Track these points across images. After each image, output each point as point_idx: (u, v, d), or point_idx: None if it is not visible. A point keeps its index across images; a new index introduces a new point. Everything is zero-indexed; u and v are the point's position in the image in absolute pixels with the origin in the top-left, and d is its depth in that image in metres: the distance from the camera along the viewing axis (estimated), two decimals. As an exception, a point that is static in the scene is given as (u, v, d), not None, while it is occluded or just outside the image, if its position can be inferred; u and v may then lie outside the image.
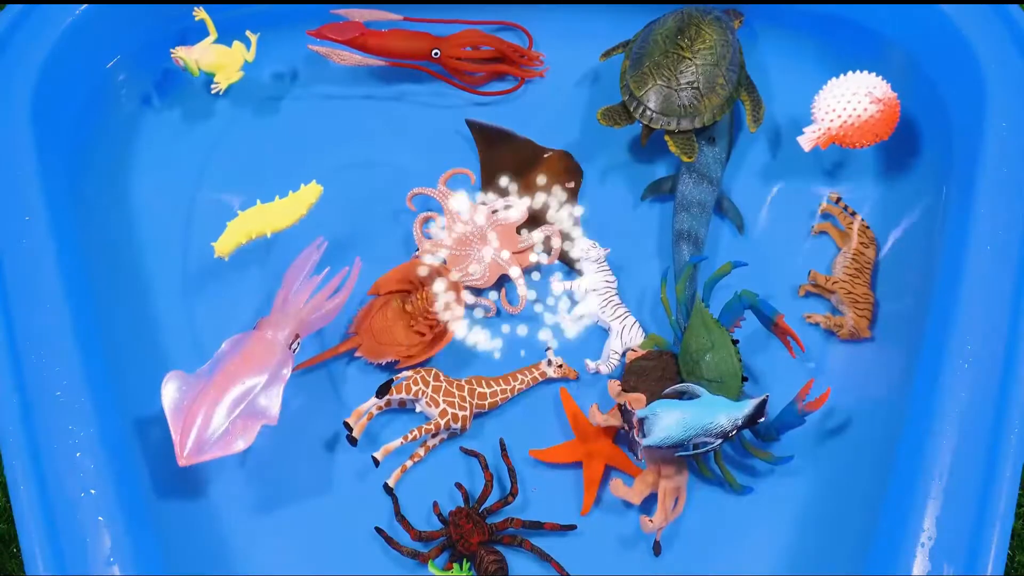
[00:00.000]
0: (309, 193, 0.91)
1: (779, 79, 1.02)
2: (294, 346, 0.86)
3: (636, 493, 0.84)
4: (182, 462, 0.81)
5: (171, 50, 0.98)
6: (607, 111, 0.97)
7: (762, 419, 0.82)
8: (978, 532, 0.77)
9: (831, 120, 0.93)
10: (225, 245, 0.90)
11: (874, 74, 0.93)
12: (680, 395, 0.85)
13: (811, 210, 0.97)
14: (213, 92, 0.99)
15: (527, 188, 0.97)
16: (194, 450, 0.81)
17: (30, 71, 0.92)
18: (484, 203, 0.96)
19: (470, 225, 0.94)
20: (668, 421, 0.80)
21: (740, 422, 0.81)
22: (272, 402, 0.83)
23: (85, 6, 0.95)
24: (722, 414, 0.81)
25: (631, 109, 0.96)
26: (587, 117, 1.02)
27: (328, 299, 0.88)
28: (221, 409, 0.82)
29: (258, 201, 0.91)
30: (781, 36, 1.04)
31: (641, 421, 0.81)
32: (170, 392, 0.83)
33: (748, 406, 0.82)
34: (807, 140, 0.94)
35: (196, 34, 0.99)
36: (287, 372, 0.85)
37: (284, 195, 0.92)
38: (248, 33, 0.99)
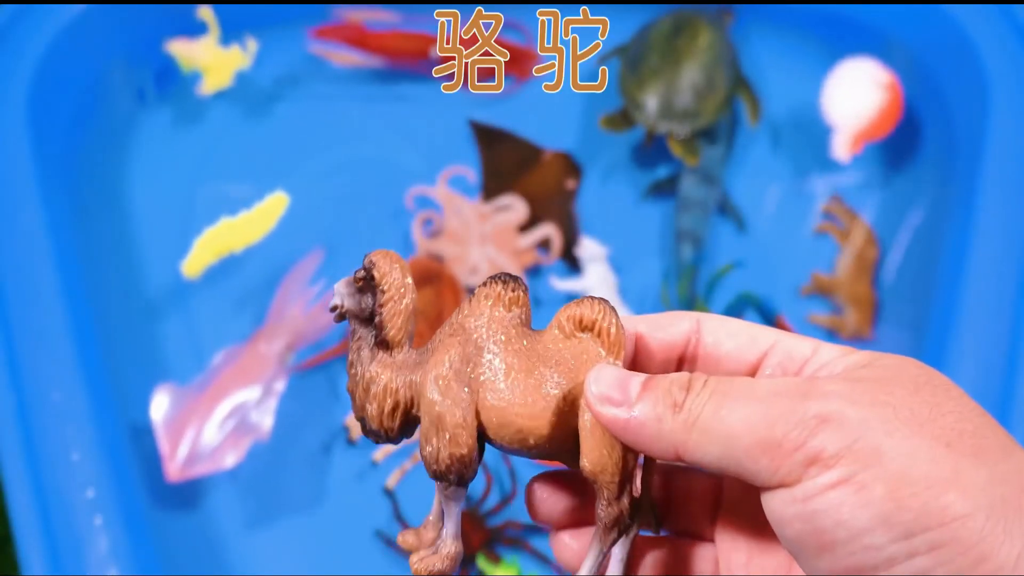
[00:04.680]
0: (275, 205, 0.90)
1: (780, 79, 1.02)
2: (288, 359, 0.86)
3: None
4: (172, 477, 0.80)
5: (167, 42, 0.97)
6: (608, 117, 0.97)
7: None
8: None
9: (850, 121, 0.93)
10: (193, 265, 0.88)
11: (863, 60, 0.93)
12: None
13: (812, 209, 0.97)
14: (201, 92, 0.99)
15: (526, 188, 0.97)
16: (184, 465, 0.81)
17: (26, 70, 0.92)
18: (484, 203, 0.96)
19: (469, 225, 0.94)
20: None
21: None
22: (264, 417, 0.83)
23: (83, 5, 0.94)
24: None
25: (632, 114, 0.96)
26: (587, 117, 1.01)
27: (323, 312, 0.88)
28: (212, 424, 0.82)
29: (224, 217, 0.90)
30: (781, 35, 1.04)
31: None
32: (161, 406, 0.82)
33: None
34: (841, 150, 0.93)
35: (196, 35, 0.99)
36: (281, 386, 0.84)
37: (285, 194, 0.91)
38: (248, 40, 0.99)
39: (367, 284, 0.39)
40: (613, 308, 0.38)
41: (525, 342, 0.38)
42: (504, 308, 0.39)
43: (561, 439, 0.38)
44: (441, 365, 0.38)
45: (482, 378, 0.38)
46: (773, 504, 0.32)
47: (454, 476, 0.38)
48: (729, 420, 0.33)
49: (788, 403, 0.32)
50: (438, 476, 0.39)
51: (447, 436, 0.38)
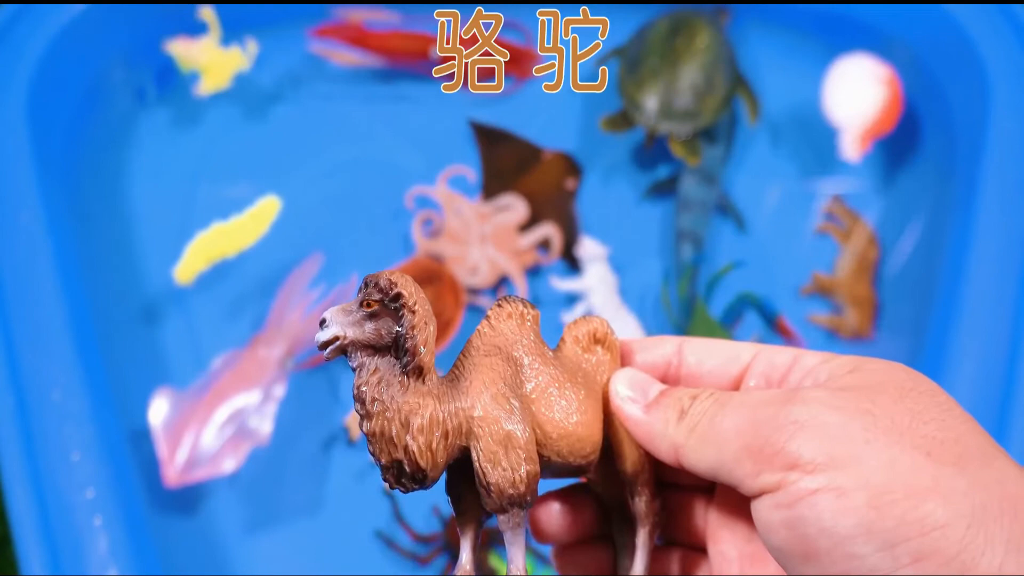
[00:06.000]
0: (267, 209, 0.90)
1: (779, 78, 1.02)
2: (288, 364, 0.85)
3: None
4: (170, 482, 0.80)
5: (167, 42, 0.97)
6: (609, 119, 0.97)
7: None
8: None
9: (855, 120, 0.93)
10: (186, 271, 0.88)
11: (860, 56, 0.93)
12: None
13: (813, 209, 0.97)
14: (198, 93, 0.98)
15: (526, 188, 0.97)
16: (183, 470, 0.80)
17: (26, 70, 0.92)
18: (484, 203, 0.96)
19: (470, 225, 0.94)
20: None
21: None
22: (264, 423, 0.83)
23: (83, 5, 0.94)
24: None
25: (632, 115, 0.96)
26: (587, 117, 1.01)
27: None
28: (211, 428, 0.82)
29: (216, 222, 0.89)
30: (779, 34, 1.04)
31: None
32: (160, 410, 0.82)
33: None
34: (851, 151, 0.93)
35: (196, 35, 0.99)
36: (280, 391, 0.84)
37: (284, 195, 0.91)
38: (249, 42, 0.98)
39: (384, 308, 0.36)
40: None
41: (551, 356, 0.39)
42: (530, 325, 0.39)
43: (601, 445, 0.39)
44: (495, 384, 0.37)
45: (533, 394, 0.37)
46: (760, 511, 0.33)
47: (531, 496, 0.36)
48: (721, 427, 0.34)
49: (772, 409, 0.33)
50: (515, 500, 0.36)
51: (522, 454, 0.36)
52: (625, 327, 0.91)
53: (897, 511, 0.30)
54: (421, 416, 0.35)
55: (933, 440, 0.31)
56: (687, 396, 0.37)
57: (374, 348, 0.36)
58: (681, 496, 0.41)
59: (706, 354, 0.39)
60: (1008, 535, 0.30)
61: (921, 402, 0.33)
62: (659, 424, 0.37)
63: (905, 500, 0.30)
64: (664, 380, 0.40)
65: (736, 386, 0.39)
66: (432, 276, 0.92)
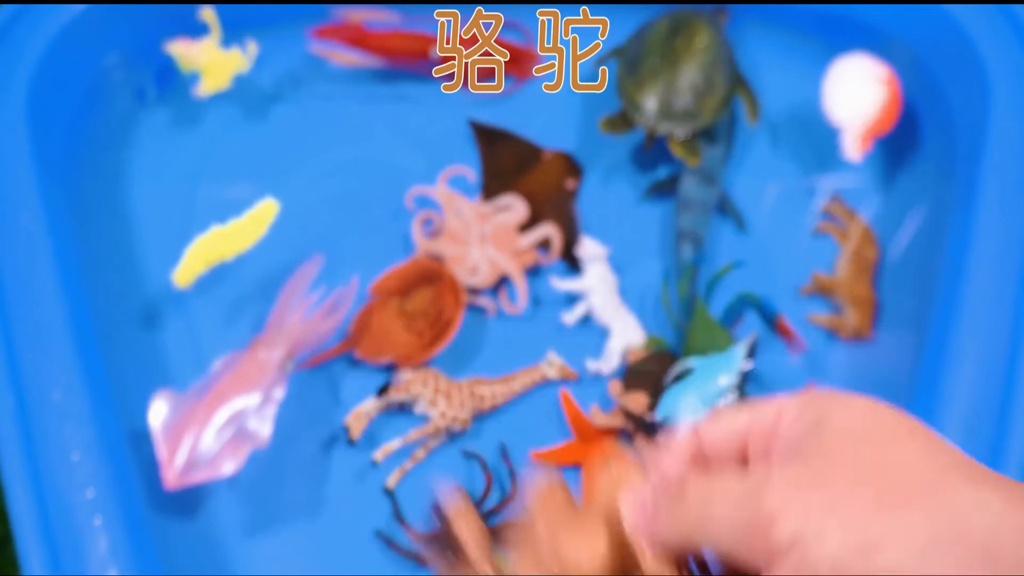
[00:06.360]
0: (265, 211, 0.89)
1: (778, 78, 1.02)
2: (288, 366, 0.85)
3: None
4: (169, 484, 0.80)
5: (167, 42, 0.97)
6: (608, 119, 0.97)
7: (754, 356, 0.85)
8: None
9: (856, 120, 0.92)
10: (184, 275, 0.87)
11: (857, 56, 0.93)
12: (676, 378, 0.85)
13: (812, 209, 0.97)
14: (197, 94, 0.98)
15: (526, 188, 0.97)
16: (182, 472, 0.80)
17: (26, 70, 0.92)
18: (484, 203, 0.96)
19: (470, 225, 0.94)
20: (687, 406, 0.81)
21: (740, 369, 0.83)
22: (264, 425, 0.83)
23: (83, 5, 0.94)
24: (722, 373, 0.82)
25: (631, 115, 0.96)
26: (587, 117, 1.01)
27: (324, 319, 0.87)
28: (211, 431, 0.81)
29: (214, 225, 0.89)
30: (778, 34, 1.04)
31: (664, 420, 0.82)
32: (159, 412, 0.82)
33: (739, 352, 0.82)
34: (852, 151, 0.93)
35: (196, 35, 0.99)
36: (280, 394, 0.84)
37: (284, 196, 0.91)
38: (249, 43, 0.98)
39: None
40: (616, 462, 0.46)
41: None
42: None
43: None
44: None
45: None
46: None
47: None
48: (715, 517, 0.38)
49: (752, 501, 0.36)
50: None
51: None
52: (625, 327, 0.91)
53: (856, 569, 0.33)
54: None
55: (885, 489, 0.34)
56: (676, 489, 0.40)
57: None
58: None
59: (714, 429, 0.42)
60: (956, 561, 0.32)
61: (879, 449, 0.35)
62: (662, 527, 0.40)
63: (859, 559, 0.33)
64: (746, 451, 0.42)
65: (745, 455, 0.41)
66: (432, 276, 0.92)
